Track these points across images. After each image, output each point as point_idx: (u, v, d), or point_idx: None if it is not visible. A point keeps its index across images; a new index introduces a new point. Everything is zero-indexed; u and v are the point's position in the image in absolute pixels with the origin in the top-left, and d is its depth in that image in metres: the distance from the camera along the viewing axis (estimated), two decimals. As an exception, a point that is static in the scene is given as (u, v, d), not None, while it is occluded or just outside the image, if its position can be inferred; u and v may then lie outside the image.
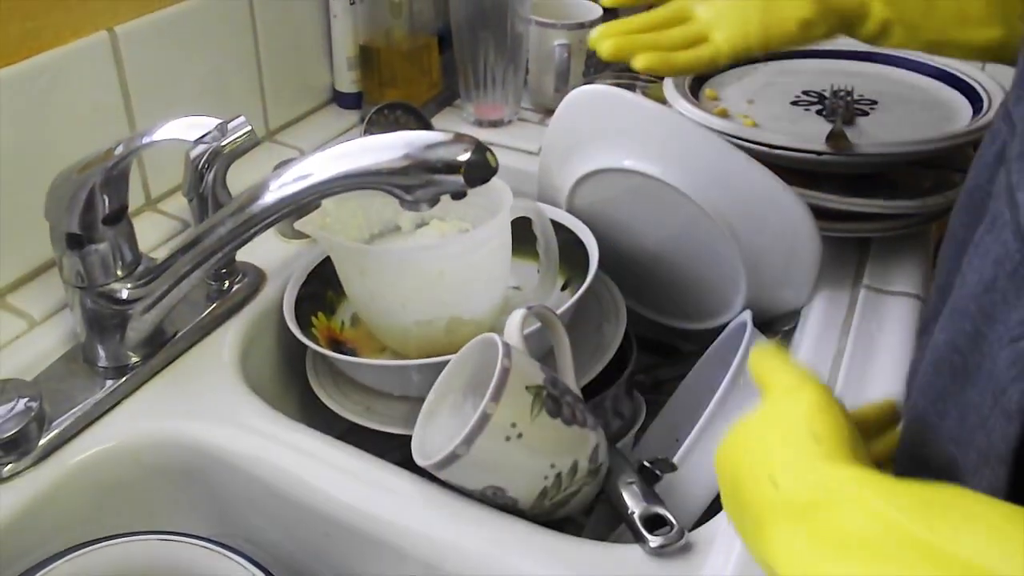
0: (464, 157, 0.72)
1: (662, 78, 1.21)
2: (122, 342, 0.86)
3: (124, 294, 0.84)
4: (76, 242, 0.82)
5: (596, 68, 1.42)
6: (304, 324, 0.94)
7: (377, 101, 1.28)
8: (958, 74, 1.20)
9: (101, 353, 0.87)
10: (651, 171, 0.96)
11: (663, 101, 1.11)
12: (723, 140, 0.93)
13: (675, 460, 0.79)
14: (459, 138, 0.73)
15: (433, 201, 0.75)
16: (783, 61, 1.31)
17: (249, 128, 0.87)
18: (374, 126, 1.20)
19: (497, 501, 0.74)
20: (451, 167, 0.72)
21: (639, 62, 0.85)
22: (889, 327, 0.94)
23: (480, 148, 0.73)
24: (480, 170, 0.72)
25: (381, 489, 0.78)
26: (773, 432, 0.56)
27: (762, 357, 0.64)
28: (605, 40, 0.86)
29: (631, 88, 1.27)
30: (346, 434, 0.88)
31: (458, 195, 0.76)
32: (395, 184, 0.74)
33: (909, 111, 1.16)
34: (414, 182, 0.73)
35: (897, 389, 0.86)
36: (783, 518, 0.50)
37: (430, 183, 0.73)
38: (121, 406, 0.86)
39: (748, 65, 1.30)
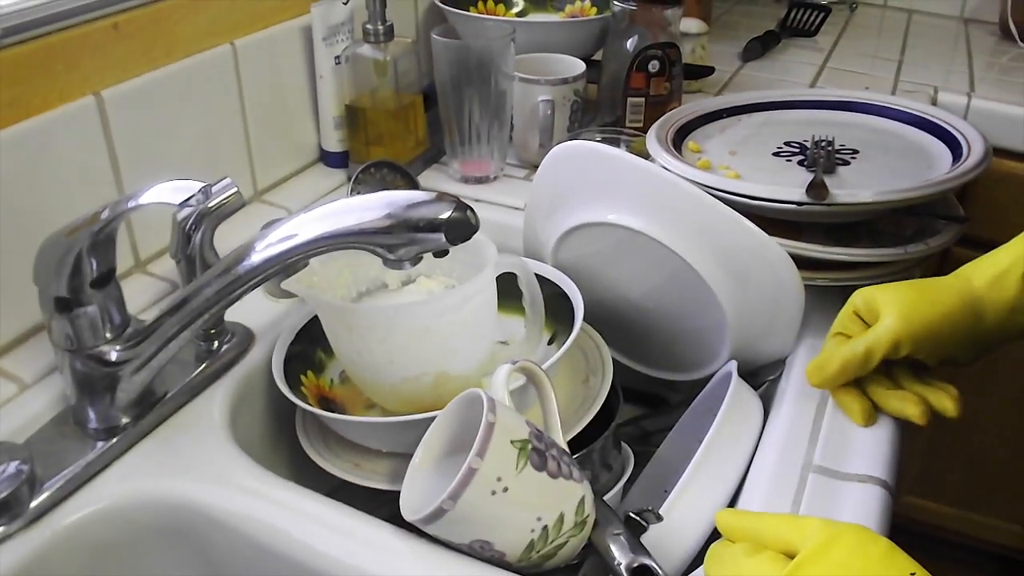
0: (445, 215, 0.73)
1: (645, 132, 1.22)
2: (112, 404, 0.87)
3: (113, 356, 0.85)
4: (64, 305, 0.82)
5: (580, 123, 1.43)
6: (293, 383, 0.94)
7: (363, 160, 1.30)
8: (938, 121, 1.22)
9: (91, 415, 0.87)
10: (635, 225, 0.97)
11: (646, 155, 1.12)
12: (705, 193, 0.94)
13: (662, 510, 0.80)
14: (440, 197, 0.74)
15: (416, 259, 0.76)
16: (765, 112, 1.32)
17: (235, 190, 0.87)
18: (361, 185, 1.21)
19: (484, 555, 0.74)
20: (433, 226, 0.73)
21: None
22: (873, 374, 0.95)
23: (461, 206, 0.74)
24: (461, 228, 0.73)
25: (370, 545, 0.78)
26: None
27: (745, 520, 0.68)
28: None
29: (615, 143, 1.28)
30: (336, 491, 0.88)
31: (440, 253, 0.77)
32: (378, 243, 0.75)
33: (890, 159, 1.17)
34: (397, 241, 0.74)
35: (880, 437, 0.86)
36: None
37: (413, 242, 0.74)
38: (112, 467, 0.86)
39: (731, 117, 1.31)
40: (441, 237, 0.73)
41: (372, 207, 0.74)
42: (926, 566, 0.60)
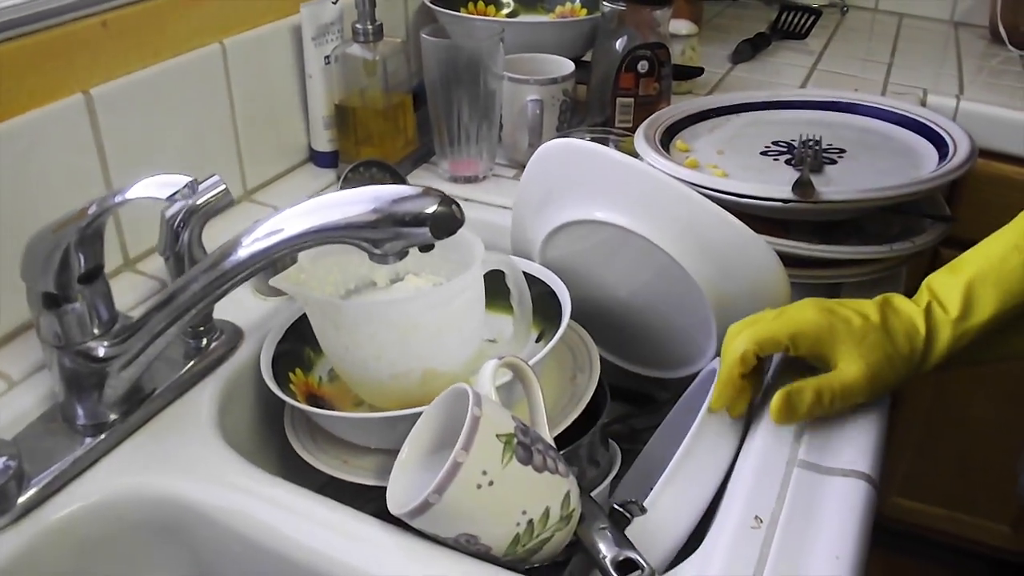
0: (431, 210, 0.73)
1: (634, 131, 1.23)
2: (100, 400, 0.87)
3: (101, 352, 0.85)
4: (52, 302, 0.82)
5: (569, 123, 1.44)
6: (282, 380, 0.94)
7: (353, 159, 1.30)
8: (924, 121, 1.22)
9: (79, 411, 0.87)
10: (622, 222, 0.98)
11: (635, 154, 1.12)
12: (692, 191, 0.94)
13: (646, 503, 0.80)
14: (426, 191, 0.75)
15: (401, 254, 0.77)
16: (754, 112, 1.33)
17: (223, 187, 0.88)
18: (350, 184, 1.21)
19: (471, 549, 0.74)
20: (419, 220, 0.73)
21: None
22: (859, 371, 0.95)
23: (446, 201, 0.74)
24: (447, 222, 0.74)
25: (358, 540, 0.78)
26: None
27: None
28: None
29: (604, 142, 1.28)
30: (324, 487, 0.89)
31: (426, 248, 0.77)
32: (364, 238, 0.75)
33: (876, 158, 1.17)
34: (383, 236, 0.74)
35: (864, 432, 0.87)
36: None
37: (398, 236, 0.74)
38: (100, 463, 0.86)
39: (719, 117, 1.32)
40: (426, 231, 0.73)
41: (358, 201, 0.75)
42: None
